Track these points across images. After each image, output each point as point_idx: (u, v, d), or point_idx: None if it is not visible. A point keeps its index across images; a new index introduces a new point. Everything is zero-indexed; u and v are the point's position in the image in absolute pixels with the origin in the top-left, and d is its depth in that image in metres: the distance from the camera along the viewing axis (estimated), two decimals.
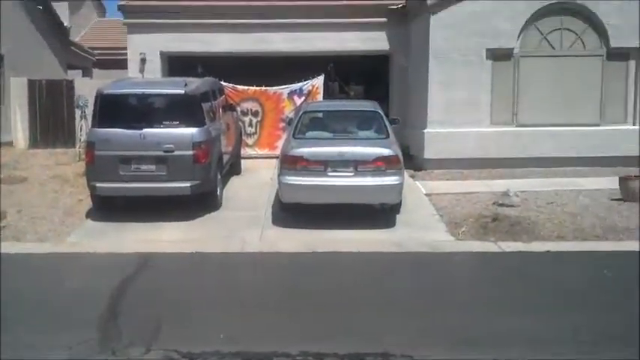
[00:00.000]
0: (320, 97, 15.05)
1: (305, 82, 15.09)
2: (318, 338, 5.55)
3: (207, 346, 5.38)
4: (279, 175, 9.50)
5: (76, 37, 24.06)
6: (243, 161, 13.38)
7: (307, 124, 10.57)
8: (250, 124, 14.95)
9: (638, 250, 8.00)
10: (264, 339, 5.54)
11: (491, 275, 7.47)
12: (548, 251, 8.19)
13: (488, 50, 13.09)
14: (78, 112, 15.22)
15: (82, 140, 14.09)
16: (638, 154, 12.65)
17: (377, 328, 5.78)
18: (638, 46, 12.99)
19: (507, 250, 8.28)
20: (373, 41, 15.74)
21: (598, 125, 13.17)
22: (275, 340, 5.51)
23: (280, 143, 12.66)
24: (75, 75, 20.30)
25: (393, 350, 5.30)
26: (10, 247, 8.48)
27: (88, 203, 10.31)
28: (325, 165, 9.22)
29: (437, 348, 5.35)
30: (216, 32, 15.57)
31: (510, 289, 6.87)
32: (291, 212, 9.58)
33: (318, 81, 15.15)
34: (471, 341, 5.49)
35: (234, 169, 12.69)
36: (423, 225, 9.40)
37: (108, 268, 7.64)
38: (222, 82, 13.74)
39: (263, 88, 15.01)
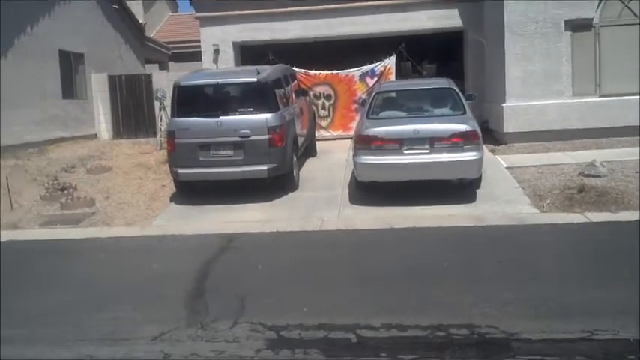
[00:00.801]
0: (392, 77, 14.93)
1: (377, 64, 15.00)
2: (400, 311, 5.54)
3: (291, 319, 5.47)
4: (354, 155, 9.51)
5: (151, 33, 24.77)
6: (317, 143, 13.45)
7: (380, 104, 10.50)
8: (323, 107, 15.02)
9: None
10: (347, 312, 5.57)
11: (578, 246, 7.21)
12: (638, 220, 7.83)
13: (566, 21, 12.63)
14: (157, 104, 15.68)
15: (162, 130, 14.54)
16: None
17: (461, 300, 5.70)
18: None
19: (595, 220, 8.00)
20: (445, 19, 15.42)
21: None
22: (357, 312, 5.53)
23: (354, 124, 12.69)
24: (152, 69, 20.85)
25: (477, 321, 5.22)
26: (100, 232, 8.91)
27: (171, 189, 10.65)
28: (400, 143, 9.16)
29: (523, 319, 5.23)
30: (285, 20, 15.64)
31: (599, 259, 6.61)
32: (367, 191, 9.56)
33: (390, 61, 15.03)
34: (558, 312, 5.34)
35: (310, 151, 12.79)
36: (505, 199, 9.17)
37: (193, 248, 7.87)
38: (293, 68, 13.84)
39: (335, 71, 15.02)
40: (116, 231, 8.94)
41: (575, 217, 8.18)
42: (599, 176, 9.66)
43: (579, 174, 9.92)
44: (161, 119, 15.14)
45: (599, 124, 12.43)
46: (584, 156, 10.89)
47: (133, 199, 10.50)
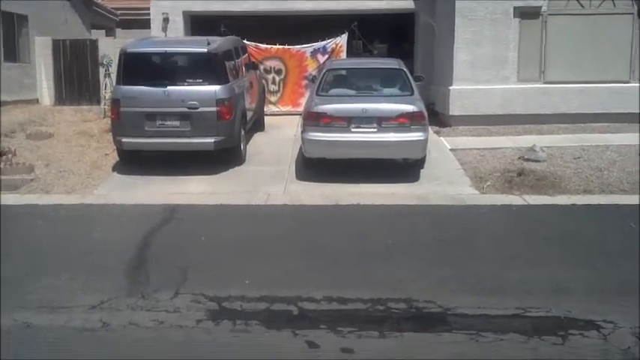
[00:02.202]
0: (343, 55, 14.94)
1: (328, 41, 14.98)
2: (342, 285, 5.63)
3: (233, 290, 5.50)
4: (302, 132, 9.52)
5: None
6: (266, 118, 13.39)
7: (331, 81, 10.50)
8: (273, 82, 14.94)
9: None
10: (289, 285, 5.64)
11: (515, 227, 7.43)
12: (574, 204, 8.13)
13: (515, 8, 12.84)
14: (102, 71, 15.31)
15: (106, 98, 14.19)
16: None
17: (400, 276, 5.83)
18: None
19: (532, 203, 8.23)
20: (397, 0, 15.49)
21: (627, 82, 12.90)
22: (299, 286, 5.60)
23: (303, 101, 12.67)
24: (98, 35, 20.29)
25: (415, 296, 5.36)
26: (38, 199, 8.68)
27: (114, 158, 10.44)
28: (348, 121, 9.22)
29: (460, 295, 5.40)
30: None
31: (535, 241, 6.83)
32: (314, 167, 9.61)
33: (342, 39, 15.03)
34: (494, 290, 5.53)
35: (258, 125, 12.71)
36: (447, 179, 9.35)
37: (135, 218, 7.75)
38: (245, 41, 13.69)
39: (286, 46, 14.94)
40: (56, 198, 8.69)
41: (514, 199, 8.40)
42: (538, 161, 9.94)
43: (520, 158, 10.20)
44: (106, 87, 14.76)
45: (542, 110, 12.78)
46: (526, 141, 11.16)
47: (74, 167, 10.22)
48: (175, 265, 6.08)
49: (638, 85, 12.77)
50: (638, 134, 11.22)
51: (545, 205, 8.16)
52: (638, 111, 12.46)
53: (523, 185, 8.85)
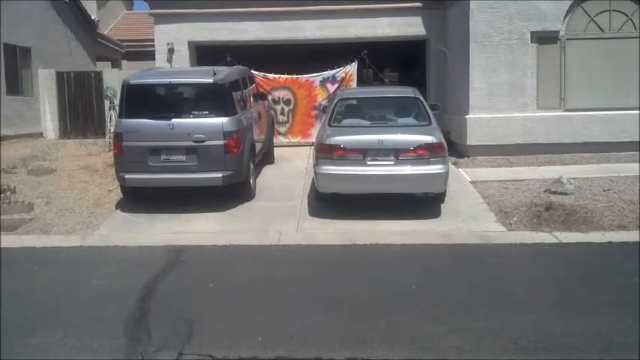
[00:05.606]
0: (353, 84, 14.60)
1: (338, 70, 14.66)
2: (364, 341, 5.04)
3: (244, 350, 4.93)
4: (315, 165, 9.06)
5: (104, 30, 23.98)
6: (276, 150, 13.02)
7: (343, 111, 10.07)
8: (282, 113, 14.57)
9: None
10: (307, 342, 5.06)
11: (550, 269, 6.82)
12: (610, 242, 7.57)
13: (532, 33, 12.46)
14: (107, 103, 15.00)
15: (111, 130, 13.83)
16: None
17: (430, 330, 5.23)
18: None
19: (565, 240, 7.68)
20: (408, 26, 15.17)
21: None
22: (319, 343, 5.02)
23: (313, 131, 12.34)
24: (104, 66, 20.08)
25: (451, 356, 4.76)
26: (37, 241, 8.20)
27: (117, 194, 9.98)
28: (364, 154, 8.75)
29: (501, 353, 4.79)
30: (245, 20, 15.15)
31: (574, 284, 6.25)
32: (328, 203, 9.15)
33: (352, 68, 14.70)
34: (538, 345, 4.91)
35: (267, 158, 12.32)
36: (470, 214, 8.83)
37: (138, 262, 7.24)
38: (252, 71, 13.33)
39: (295, 76, 14.58)
40: (55, 240, 8.21)
41: (545, 237, 7.84)
42: (566, 193, 9.39)
43: (546, 190, 9.65)
44: (110, 119, 14.43)
45: (564, 139, 12.30)
46: (550, 171, 10.67)
47: (75, 204, 9.76)
48: (180, 319, 5.51)
49: None
50: None
51: (579, 242, 7.60)
52: None
53: (552, 221, 8.30)
